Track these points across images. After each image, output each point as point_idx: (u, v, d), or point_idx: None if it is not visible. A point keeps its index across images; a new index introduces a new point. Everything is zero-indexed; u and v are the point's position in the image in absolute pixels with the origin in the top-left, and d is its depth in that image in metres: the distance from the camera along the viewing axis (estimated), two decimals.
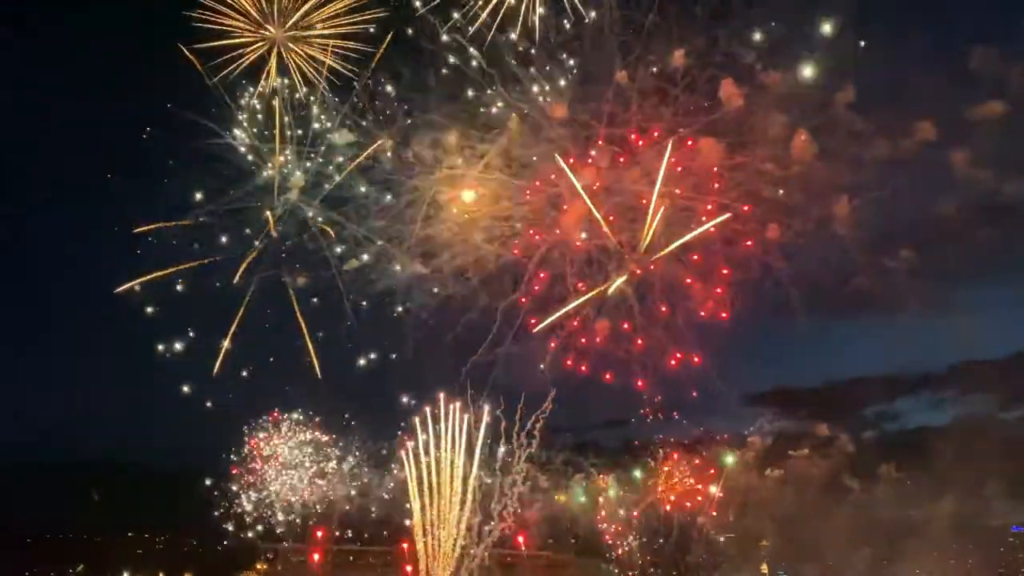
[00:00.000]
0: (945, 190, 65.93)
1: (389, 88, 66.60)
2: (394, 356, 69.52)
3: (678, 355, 67.28)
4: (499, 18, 63.58)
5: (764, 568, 79.29)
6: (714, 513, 74.87)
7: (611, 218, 66.86)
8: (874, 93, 63.71)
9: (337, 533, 75.68)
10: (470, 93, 65.81)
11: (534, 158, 67.06)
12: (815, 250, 67.32)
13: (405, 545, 72.11)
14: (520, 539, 72.43)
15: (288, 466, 74.82)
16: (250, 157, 67.05)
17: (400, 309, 69.22)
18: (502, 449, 69.98)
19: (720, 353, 67.93)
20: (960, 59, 62.81)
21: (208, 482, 74.40)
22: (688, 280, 67.29)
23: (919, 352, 75.59)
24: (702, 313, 66.75)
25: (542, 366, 68.54)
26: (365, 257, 68.45)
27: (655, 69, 64.58)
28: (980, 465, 67.56)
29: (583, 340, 68.40)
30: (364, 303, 68.79)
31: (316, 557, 73.67)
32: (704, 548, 76.68)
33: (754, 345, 76.90)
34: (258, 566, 77.96)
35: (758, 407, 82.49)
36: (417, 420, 70.65)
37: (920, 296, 66.49)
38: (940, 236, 66.21)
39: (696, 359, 67.24)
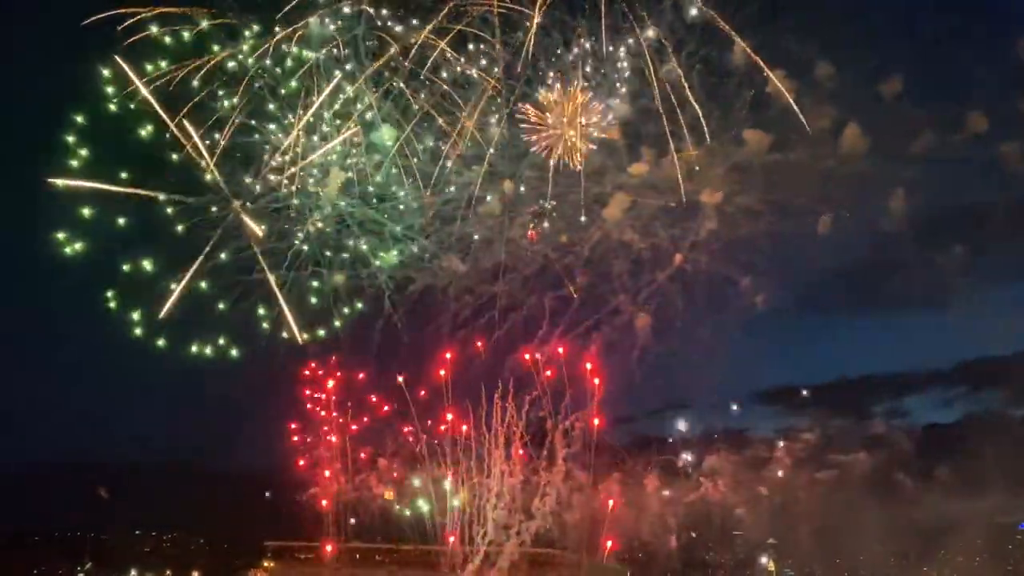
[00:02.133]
0: (988, 186, 65.16)
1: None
2: (435, 354, 69.31)
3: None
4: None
5: (771, 566, 79.19)
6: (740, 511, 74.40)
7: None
8: (924, 85, 62.51)
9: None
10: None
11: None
12: (829, 246, 66.99)
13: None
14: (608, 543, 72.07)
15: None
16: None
17: (441, 306, 68.89)
18: (544, 446, 69.46)
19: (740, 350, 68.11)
20: (1012, 49, 61.35)
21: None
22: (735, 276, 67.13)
23: (928, 349, 75.76)
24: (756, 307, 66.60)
25: (589, 365, 68.42)
26: (405, 254, 68.30)
27: (706, 65, 63.58)
28: (989, 462, 67.46)
29: (627, 335, 68.50)
30: (404, 301, 68.49)
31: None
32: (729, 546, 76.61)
33: (762, 343, 76.33)
34: (265, 563, 78.00)
35: (765, 406, 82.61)
36: (457, 417, 70.26)
37: (933, 293, 66.38)
38: (960, 233, 65.68)
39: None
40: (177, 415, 79.66)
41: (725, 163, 64.91)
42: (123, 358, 77.58)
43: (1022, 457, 65.99)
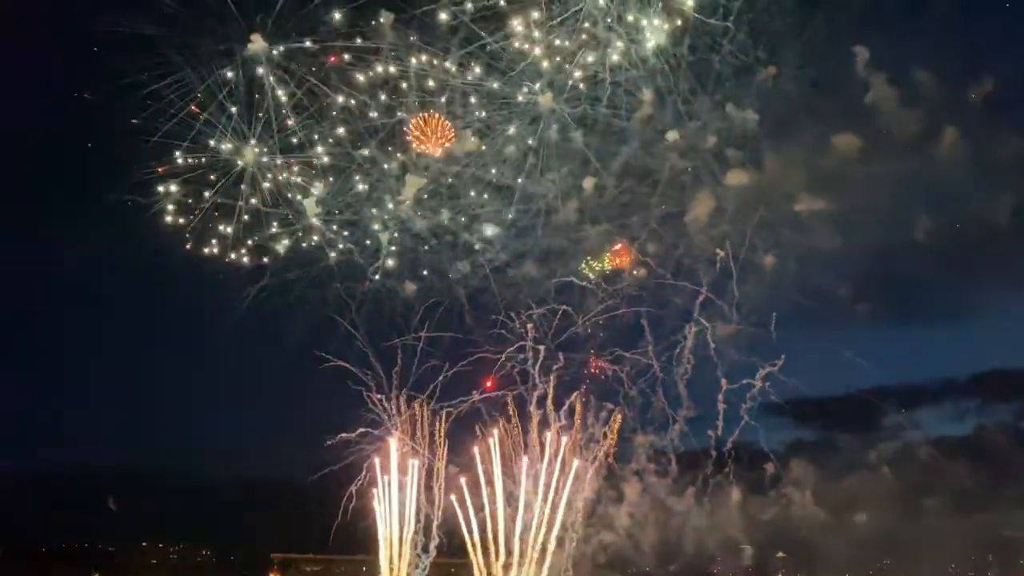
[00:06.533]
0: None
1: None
2: (513, 363, 68.78)
3: None
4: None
5: None
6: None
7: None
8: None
9: None
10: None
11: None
12: (846, 257, 67.08)
13: None
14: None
15: None
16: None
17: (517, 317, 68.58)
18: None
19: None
20: None
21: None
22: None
23: (941, 361, 75.41)
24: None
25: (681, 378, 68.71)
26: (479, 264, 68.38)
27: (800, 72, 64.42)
28: (1001, 475, 67.28)
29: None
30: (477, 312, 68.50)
31: None
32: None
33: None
34: None
35: (776, 418, 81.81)
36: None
37: (946, 303, 66.28)
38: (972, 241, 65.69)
39: None
40: (187, 423, 79.32)
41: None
42: (135, 365, 77.97)
43: None
